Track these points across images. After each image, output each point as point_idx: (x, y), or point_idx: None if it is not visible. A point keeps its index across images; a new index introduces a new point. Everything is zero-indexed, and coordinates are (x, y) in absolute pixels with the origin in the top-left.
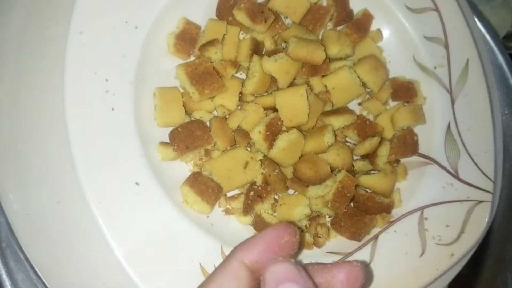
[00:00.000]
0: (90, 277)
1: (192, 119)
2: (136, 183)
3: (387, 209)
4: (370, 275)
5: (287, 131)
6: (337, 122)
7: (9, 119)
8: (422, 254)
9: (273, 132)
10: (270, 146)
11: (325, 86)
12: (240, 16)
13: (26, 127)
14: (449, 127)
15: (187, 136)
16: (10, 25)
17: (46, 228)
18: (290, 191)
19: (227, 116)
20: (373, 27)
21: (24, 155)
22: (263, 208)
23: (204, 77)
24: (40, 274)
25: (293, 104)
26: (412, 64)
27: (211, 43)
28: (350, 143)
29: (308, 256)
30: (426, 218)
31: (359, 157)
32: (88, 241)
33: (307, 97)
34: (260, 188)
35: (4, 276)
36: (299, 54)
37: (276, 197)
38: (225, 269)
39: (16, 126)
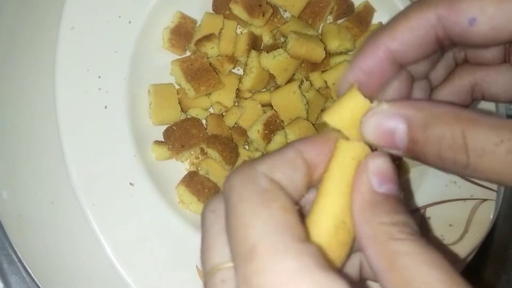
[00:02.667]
0: (84, 278)
1: (188, 116)
2: (130, 184)
3: None
4: None
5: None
6: None
7: (0, 118)
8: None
9: (271, 130)
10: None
11: (325, 82)
12: (237, 9)
13: (18, 127)
14: None
15: (182, 135)
16: (0, 20)
17: (39, 230)
18: None
19: (223, 113)
20: (375, 20)
21: (16, 155)
22: None
23: (200, 73)
24: (33, 276)
25: (288, 102)
26: None
27: (208, 38)
28: None
29: None
30: (429, 218)
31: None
32: (82, 243)
33: (308, 92)
34: None
35: None
36: (298, 52)
37: None
38: (281, 154)
39: (7, 125)
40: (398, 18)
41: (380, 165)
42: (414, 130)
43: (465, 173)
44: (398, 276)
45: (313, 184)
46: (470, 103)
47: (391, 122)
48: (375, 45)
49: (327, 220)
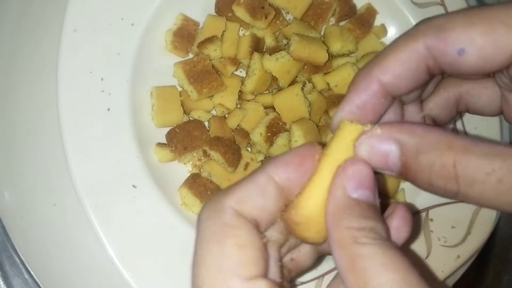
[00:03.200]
0: (87, 280)
1: (191, 118)
2: (133, 186)
3: None
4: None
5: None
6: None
7: (2, 120)
8: (427, 256)
9: (274, 132)
10: (271, 147)
11: (328, 84)
12: (240, 12)
13: (21, 128)
14: (455, 124)
15: (185, 137)
16: (2, 22)
17: (42, 231)
18: None
19: (226, 116)
20: (377, 22)
21: (19, 157)
22: None
23: (202, 75)
24: (35, 278)
25: (291, 105)
26: None
27: (210, 40)
28: None
29: None
30: (431, 219)
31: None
32: (85, 245)
33: (310, 94)
34: None
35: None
36: (300, 54)
37: None
38: (251, 182)
39: (10, 128)
40: (388, 50)
41: (357, 170)
42: (406, 156)
43: (456, 198)
44: (357, 277)
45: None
46: (455, 115)
47: (384, 145)
48: (367, 78)
49: (317, 194)
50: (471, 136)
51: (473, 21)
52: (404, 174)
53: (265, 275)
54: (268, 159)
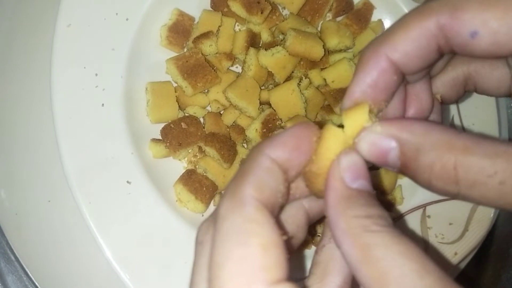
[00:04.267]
0: (81, 277)
1: (186, 114)
2: (128, 182)
3: (388, 206)
4: None
5: (284, 127)
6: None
7: None
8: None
9: (269, 128)
10: None
11: (324, 79)
12: (236, 7)
13: (15, 125)
14: (453, 121)
15: (180, 133)
16: None
17: (37, 228)
18: None
19: (221, 112)
20: (374, 17)
21: (13, 154)
22: None
23: (196, 69)
24: (30, 275)
25: (287, 100)
26: None
27: (206, 35)
28: None
29: (307, 256)
30: (428, 216)
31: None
32: (80, 241)
33: (307, 89)
34: None
35: None
36: (297, 50)
37: None
38: (257, 166)
39: (4, 124)
40: (397, 26)
41: (352, 161)
42: (406, 155)
43: (456, 198)
44: (373, 268)
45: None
46: (462, 94)
47: (384, 143)
48: (376, 56)
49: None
50: (472, 134)
51: (488, 2)
52: (404, 172)
53: (288, 277)
54: (258, 143)
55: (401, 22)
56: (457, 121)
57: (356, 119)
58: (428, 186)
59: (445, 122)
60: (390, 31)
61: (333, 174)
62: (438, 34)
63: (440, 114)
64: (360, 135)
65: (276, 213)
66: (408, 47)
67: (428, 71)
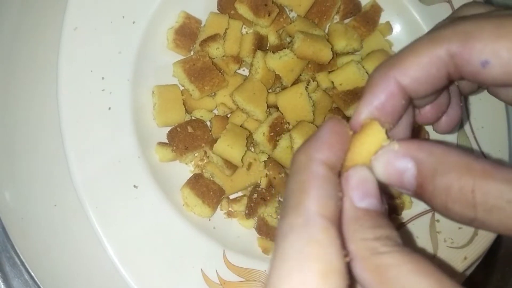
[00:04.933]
0: (87, 281)
1: (193, 118)
2: (134, 186)
3: (397, 210)
4: None
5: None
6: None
7: (3, 120)
8: (433, 258)
9: (277, 132)
10: (275, 147)
11: (332, 82)
12: (243, 9)
13: (21, 128)
14: (462, 124)
15: (186, 136)
16: (3, 21)
17: (42, 232)
18: None
19: (228, 115)
20: (382, 19)
21: (19, 157)
22: (267, 212)
23: (203, 73)
24: (36, 278)
25: (295, 104)
26: None
27: (213, 38)
28: None
29: None
30: (437, 220)
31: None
32: (85, 246)
33: (314, 92)
34: (264, 190)
35: (0, 281)
36: (305, 53)
37: (281, 199)
38: (314, 175)
39: (10, 127)
40: (408, 51)
41: (360, 179)
42: (423, 175)
43: (472, 225)
44: None
45: None
46: (476, 88)
47: (401, 162)
48: (386, 79)
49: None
50: (491, 160)
51: (500, 33)
52: (420, 194)
53: None
54: (301, 145)
55: (412, 47)
56: (466, 124)
57: (373, 137)
58: (444, 209)
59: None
60: (401, 56)
61: (344, 192)
62: (448, 61)
63: (459, 106)
64: (377, 154)
65: (338, 222)
66: (418, 72)
67: (435, 97)
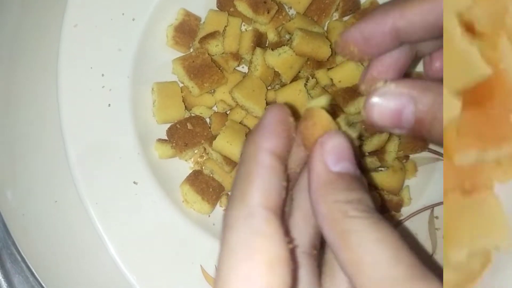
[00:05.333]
0: (87, 277)
1: (192, 114)
2: (134, 182)
3: (396, 207)
4: None
5: None
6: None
7: (4, 120)
8: (432, 254)
9: None
10: None
11: (331, 79)
12: (242, 6)
13: (22, 125)
14: None
15: (186, 133)
16: (4, 21)
17: (43, 229)
18: None
19: (228, 112)
20: None
21: (20, 154)
22: None
23: (202, 70)
24: (37, 275)
25: (294, 101)
26: None
27: (212, 35)
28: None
29: None
30: (436, 217)
31: (367, 154)
32: (86, 242)
33: (313, 89)
34: None
35: (0, 278)
36: (304, 50)
37: None
38: (260, 165)
39: (11, 125)
40: None
41: (335, 144)
42: (421, 111)
43: None
44: (350, 254)
45: None
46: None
47: (398, 102)
48: (382, 17)
49: None
50: None
51: None
52: (417, 129)
53: None
54: (249, 135)
55: None
56: None
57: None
58: (441, 138)
59: None
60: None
61: (315, 156)
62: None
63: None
64: (370, 95)
65: (281, 212)
66: (416, 18)
67: (435, 48)
